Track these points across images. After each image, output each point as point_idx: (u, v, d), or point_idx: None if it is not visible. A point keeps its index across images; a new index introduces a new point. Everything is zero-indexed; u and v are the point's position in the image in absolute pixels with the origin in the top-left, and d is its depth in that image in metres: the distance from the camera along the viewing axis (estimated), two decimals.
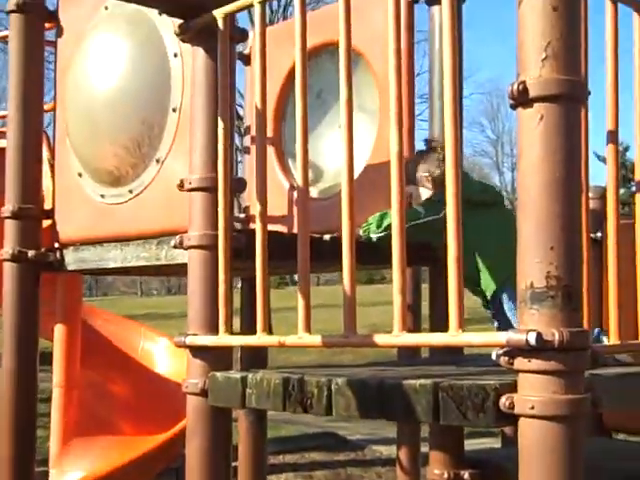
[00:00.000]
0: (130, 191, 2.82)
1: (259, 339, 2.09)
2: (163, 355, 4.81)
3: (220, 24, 2.28)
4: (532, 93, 1.56)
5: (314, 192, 3.30)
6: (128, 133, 2.78)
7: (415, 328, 4.27)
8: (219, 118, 2.27)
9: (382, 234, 2.76)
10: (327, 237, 2.68)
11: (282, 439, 7.35)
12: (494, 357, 1.58)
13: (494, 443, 7.75)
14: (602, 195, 3.68)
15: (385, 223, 2.77)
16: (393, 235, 1.77)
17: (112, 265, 2.87)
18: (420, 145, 3.15)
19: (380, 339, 1.79)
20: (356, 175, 3.25)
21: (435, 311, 2.95)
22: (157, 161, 2.72)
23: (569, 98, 1.56)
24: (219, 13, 2.28)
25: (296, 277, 2.03)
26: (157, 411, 4.42)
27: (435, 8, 3.19)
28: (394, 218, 1.78)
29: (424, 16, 3.28)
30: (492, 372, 1.80)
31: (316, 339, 1.92)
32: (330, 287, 31.92)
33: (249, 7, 2.24)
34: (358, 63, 3.30)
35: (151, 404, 4.38)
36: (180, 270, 2.73)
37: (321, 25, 2.93)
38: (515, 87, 1.57)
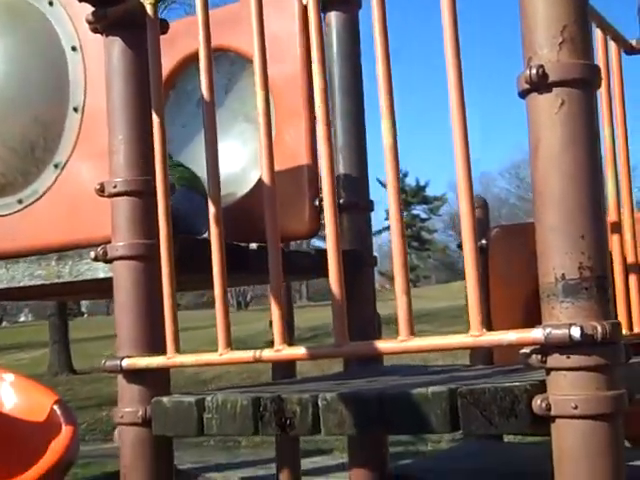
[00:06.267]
0: (19, 201, 2.46)
1: (221, 356, 1.86)
2: (9, 392, 4.32)
3: (149, 11, 2.05)
4: (552, 77, 1.49)
5: None
6: (16, 134, 2.44)
7: (290, 341, 4.13)
8: (154, 113, 2.03)
9: None
10: (254, 246, 2.49)
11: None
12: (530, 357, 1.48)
13: (328, 460, 7.77)
14: (482, 205, 3.75)
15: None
16: (393, 244, 1.64)
17: None
18: None
19: (384, 345, 1.64)
20: (251, 185, 3.09)
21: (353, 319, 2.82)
22: (55, 166, 2.41)
23: (588, 83, 1.50)
24: None
25: None
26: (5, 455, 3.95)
27: (332, 14, 3.06)
28: (393, 222, 1.64)
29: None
30: (502, 372, 1.71)
31: (300, 351, 1.74)
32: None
33: None
34: (245, 69, 3.14)
35: None
36: (89, 289, 2.44)
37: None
38: (534, 71, 1.49)
